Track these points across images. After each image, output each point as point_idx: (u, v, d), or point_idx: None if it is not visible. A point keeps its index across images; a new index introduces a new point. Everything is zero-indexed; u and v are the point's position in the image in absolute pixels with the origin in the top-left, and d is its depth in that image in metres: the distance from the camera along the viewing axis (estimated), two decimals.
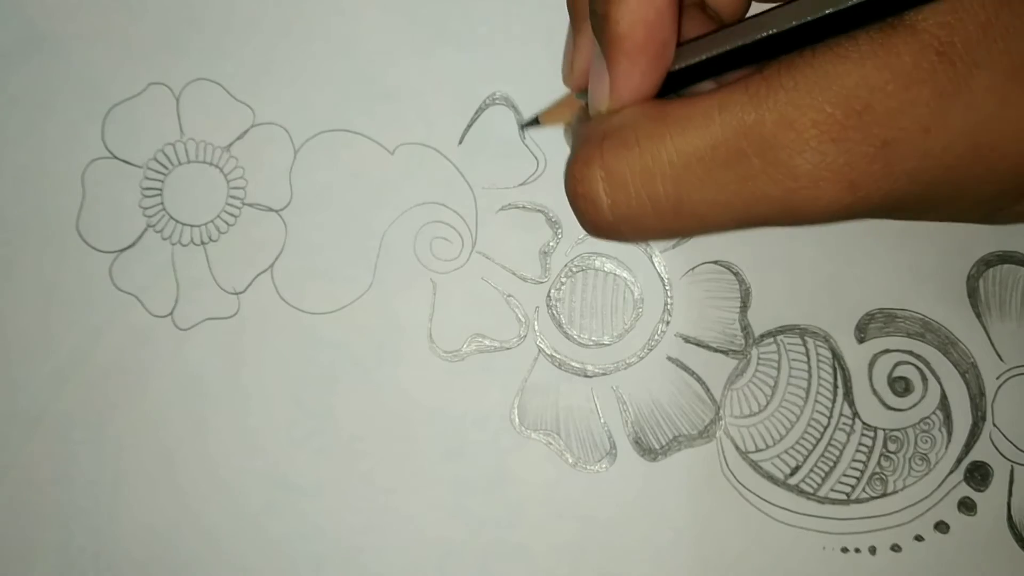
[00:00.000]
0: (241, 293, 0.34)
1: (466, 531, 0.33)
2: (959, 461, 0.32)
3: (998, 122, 0.18)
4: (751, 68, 0.21)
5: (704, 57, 0.21)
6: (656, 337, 0.33)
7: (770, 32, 0.20)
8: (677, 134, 0.20)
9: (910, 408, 0.33)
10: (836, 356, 0.33)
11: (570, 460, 0.33)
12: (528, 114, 0.34)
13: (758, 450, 0.33)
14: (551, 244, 0.34)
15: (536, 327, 0.33)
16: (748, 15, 0.24)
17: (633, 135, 0.20)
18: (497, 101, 0.34)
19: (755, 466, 0.33)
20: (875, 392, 0.33)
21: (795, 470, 0.33)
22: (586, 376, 0.33)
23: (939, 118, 0.18)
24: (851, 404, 0.33)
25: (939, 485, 0.32)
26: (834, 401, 0.33)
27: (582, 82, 0.24)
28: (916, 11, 0.18)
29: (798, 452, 0.33)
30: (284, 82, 0.34)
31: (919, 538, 0.32)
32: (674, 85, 0.22)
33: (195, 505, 0.33)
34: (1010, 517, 0.32)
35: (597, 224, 0.21)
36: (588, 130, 0.22)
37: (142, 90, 0.34)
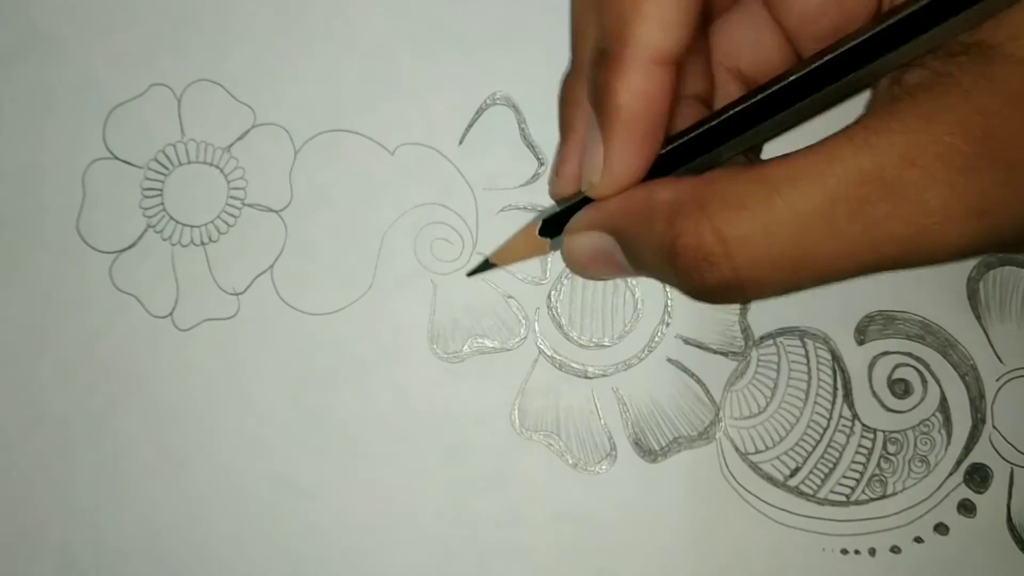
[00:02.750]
0: (241, 294, 0.34)
1: (466, 531, 0.33)
2: (959, 463, 0.33)
3: None
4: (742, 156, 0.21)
5: (715, 122, 0.21)
6: (656, 339, 0.33)
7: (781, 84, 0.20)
8: (789, 193, 0.19)
9: (910, 410, 0.33)
10: (836, 358, 0.33)
11: (570, 461, 0.33)
12: (529, 114, 0.34)
13: (758, 451, 0.33)
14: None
15: (536, 328, 0.33)
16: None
17: (738, 200, 0.20)
18: (497, 101, 0.34)
19: (755, 467, 0.33)
20: (875, 394, 0.33)
21: (795, 472, 0.33)
22: (586, 377, 0.33)
23: None
24: (851, 406, 0.33)
25: (939, 487, 0.32)
26: (834, 403, 0.33)
27: (568, 188, 0.24)
28: (1009, 38, 0.18)
29: (798, 454, 0.33)
30: (284, 82, 0.34)
31: (919, 540, 0.32)
32: (667, 167, 0.22)
33: (195, 505, 0.33)
34: (1009, 519, 0.32)
35: (719, 292, 0.21)
36: (672, 207, 0.21)
37: (144, 91, 0.34)
